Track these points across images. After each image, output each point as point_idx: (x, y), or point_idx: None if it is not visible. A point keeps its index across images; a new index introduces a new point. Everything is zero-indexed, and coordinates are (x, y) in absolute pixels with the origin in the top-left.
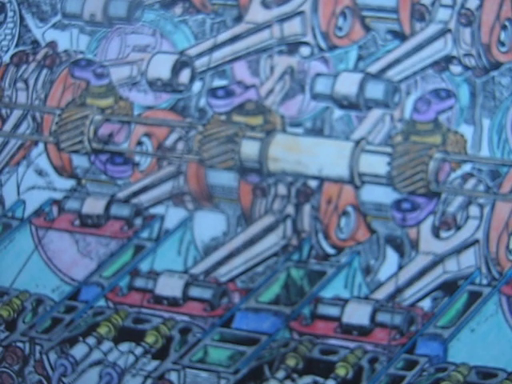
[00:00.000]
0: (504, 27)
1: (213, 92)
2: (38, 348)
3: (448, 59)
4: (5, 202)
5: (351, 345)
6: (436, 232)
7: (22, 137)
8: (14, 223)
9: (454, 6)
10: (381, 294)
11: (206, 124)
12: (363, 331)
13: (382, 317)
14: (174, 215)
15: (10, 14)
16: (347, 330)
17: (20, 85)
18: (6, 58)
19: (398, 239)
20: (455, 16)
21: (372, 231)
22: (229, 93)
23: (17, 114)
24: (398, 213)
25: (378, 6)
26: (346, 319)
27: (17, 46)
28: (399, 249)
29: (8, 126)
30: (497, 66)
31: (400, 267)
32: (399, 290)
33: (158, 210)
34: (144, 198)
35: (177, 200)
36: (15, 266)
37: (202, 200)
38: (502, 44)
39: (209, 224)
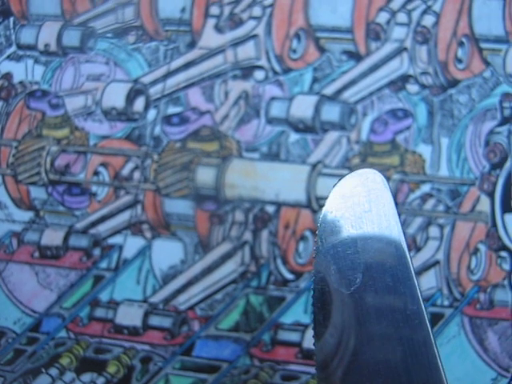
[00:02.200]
0: (461, 44)
1: (167, 119)
2: (0, 380)
3: (404, 78)
4: None
5: (312, 370)
6: None
7: None
8: None
9: (410, 24)
10: None
11: (161, 152)
12: None
13: None
14: (132, 244)
15: None
16: (308, 355)
17: None
18: None
19: None
20: (411, 34)
21: None
22: (183, 119)
23: None
24: None
25: (332, 26)
26: (306, 345)
27: None
28: None
29: None
30: (454, 83)
31: None
32: None
33: (117, 239)
34: (102, 228)
35: (135, 229)
36: None
37: (160, 228)
38: (460, 61)
39: (167, 252)
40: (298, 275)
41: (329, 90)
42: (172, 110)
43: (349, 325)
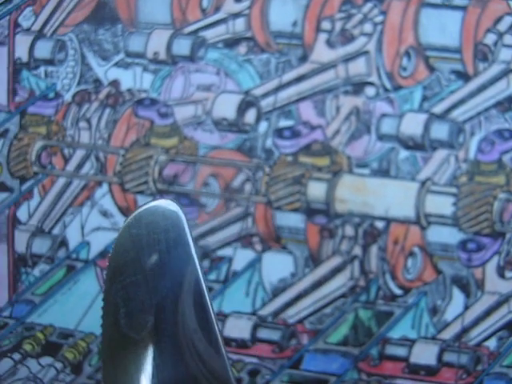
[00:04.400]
0: None
1: (279, 132)
2: None
3: (511, 99)
4: (69, 244)
5: None
6: (501, 272)
7: (86, 177)
8: (79, 265)
9: None
10: (447, 334)
11: (272, 165)
12: (430, 371)
13: (448, 357)
14: (242, 257)
15: (71, 52)
16: (415, 370)
17: (83, 124)
18: (68, 97)
19: (463, 279)
20: None
21: (438, 272)
22: (295, 133)
23: (80, 153)
24: (463, 253)
25: (441, 45)
26: (413, 359)
27: (78, 84)
28: (465, 289)
29: (71, 166)
30: None
31: (466, 307)
32: (465, 330)
33: (226, 251)
34: (211, 240)
35: (245, 242)
36: (80, 308)
37: (270, 241)
38: None
39: (277, 265)
40: (407, 290)
41: (438, 109)
42: (283, 123)
43: (143, 371)
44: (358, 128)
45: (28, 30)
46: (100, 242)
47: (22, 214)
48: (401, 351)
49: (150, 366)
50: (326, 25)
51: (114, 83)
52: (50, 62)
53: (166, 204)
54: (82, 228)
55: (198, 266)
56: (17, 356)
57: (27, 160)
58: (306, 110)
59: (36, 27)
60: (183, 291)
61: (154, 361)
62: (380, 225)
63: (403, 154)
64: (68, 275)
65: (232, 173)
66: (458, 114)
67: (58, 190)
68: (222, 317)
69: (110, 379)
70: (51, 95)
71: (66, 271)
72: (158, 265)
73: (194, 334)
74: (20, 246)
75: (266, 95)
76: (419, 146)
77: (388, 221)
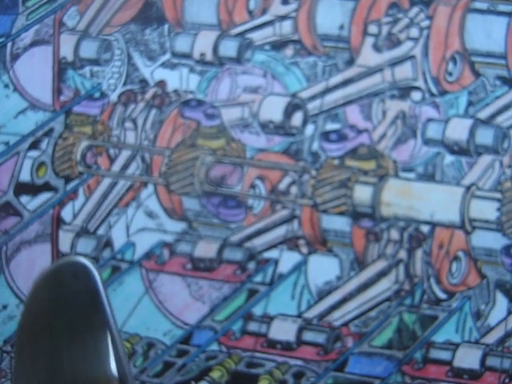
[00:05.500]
0: None
1: (326, 136)
2: None
3: None
4: (114, 244)
5: None
6: None
7: (131, 178)
8: (124, 266)
9: None
10: (491, 339)
11: (319, 168)
12: (474, 375)
13: (492, 361)
14: (287, 259)
15: (117, 52)
16: (458, 373)
17: (128, 124)
18: (114, 97)
19: (507, 284)
20: None
21: (482, 276)
22: (342, 137)
23: (126, 154)
24: (507, 258)
25: (486, 51)
26: (457, 363)
27: (124, 84)
28: (509, 294)
29: (117, 167)
30: None
31: (510, 312)
32: (509, 335)
33: (272, 254)
34: (257, 242)
35: (291, 244)
36: (125, 309)
37: (316, 244)
38: None
39: (322, 268)
40: (451, 295)
41: (483, 114)
42: (330, 126)
43: None
44: (404, 132)
45: (73, 29)
46: (145, 242)
47: (66, 214)
48: (445, 355)
49: None
50: (372, 28)
51: (161, 84)
52: (95, 61)
53: (78, 262)
54: (128, 228)
55: (115, 331)
56: None
57: (72, 160)
58: (353, 114)
59: (81, 26)
60: (97, 360)
61: None
62: (425, 229)
63: (448, 158)
64: (113, 276)
65: (278, 175)
66: (503, 120)
67: (104, 191)
68: (268, 319)
69: None
70: (97, 95)
71: (110, 272)
72: (68, 331)
73: None
74: (64, 246)
75: (312, 98)
76: (464, 151)
77: (433, 225)
